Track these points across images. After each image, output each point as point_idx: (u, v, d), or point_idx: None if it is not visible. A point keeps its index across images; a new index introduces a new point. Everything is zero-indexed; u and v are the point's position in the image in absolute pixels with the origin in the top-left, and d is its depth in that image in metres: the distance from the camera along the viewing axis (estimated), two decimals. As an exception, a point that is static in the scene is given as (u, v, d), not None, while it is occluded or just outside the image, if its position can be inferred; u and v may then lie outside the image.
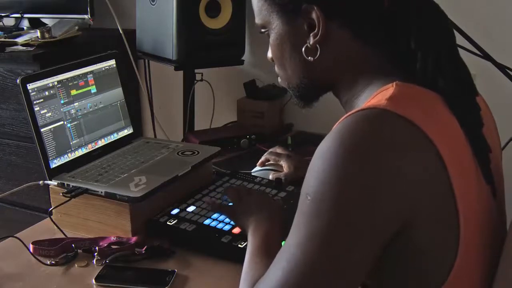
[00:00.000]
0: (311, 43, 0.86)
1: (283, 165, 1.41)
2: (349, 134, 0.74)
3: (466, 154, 0.81)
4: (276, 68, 0.96)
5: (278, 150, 1.45)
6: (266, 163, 1.45)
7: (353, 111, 0.77)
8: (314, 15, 0.84)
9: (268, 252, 0.93)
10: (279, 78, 0.97)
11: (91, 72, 1.38)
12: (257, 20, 0.93)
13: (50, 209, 1.21)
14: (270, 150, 1.47)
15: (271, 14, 0.89)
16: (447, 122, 0.80)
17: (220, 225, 1.17)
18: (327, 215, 0.73)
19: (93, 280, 1.05)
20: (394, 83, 0.80)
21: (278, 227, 1.02)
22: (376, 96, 0.81)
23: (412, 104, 0.78)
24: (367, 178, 0.72)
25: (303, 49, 0.87)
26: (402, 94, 0.78)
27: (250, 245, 0.98)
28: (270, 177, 1.40)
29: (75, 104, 1.32)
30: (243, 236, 1.11)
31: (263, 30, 0.93)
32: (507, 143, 1.27)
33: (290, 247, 0.76)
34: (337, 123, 0.77)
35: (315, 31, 0.85)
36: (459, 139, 0.80)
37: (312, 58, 0.87)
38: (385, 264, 0.77)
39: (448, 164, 0.74)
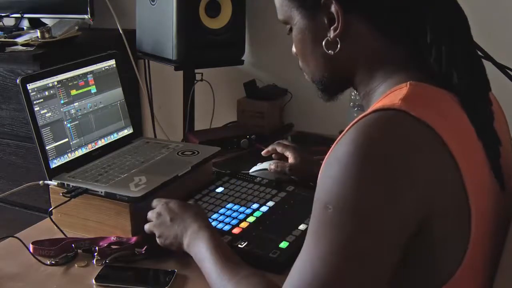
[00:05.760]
0: (331, 36, 0.87)
1: (288, 155, 1.41)
2: (364, 138, 0.74)
3: (478, 151, 0.81)
4: (300, 63, 0.97)
5: (285, 142, 1.46)
6: (265, 163, 1.45)
7: (366, 112, 0.77)
8: (333, 9, 0.85)
9: (234, 267, 0.94)
10: (304, 72, 0.98)
11: (91, 72, 1.38)
12: (279, 16, 0.94)
13: (50, 209, 1.21)
14: (277, 141, 1.47)
15: (292, 9, 0.90)
16: (459, 120, 0.81)
17: (220, 225, 1.16)
18: (351, 224, 0.72)
19: (93, 280, 1.05)
20: (408, 82, 0.81)
21: (217, 231, 1.06)
22: (389, 95, 0.81)
23: (425, 104, 0.78)
24: (386, 182, 0.72)
25: (323, 42, 0.88)
26: (415, 95, 0.79)
27: (211, 262, 0.97)
28: (269, 167, 1.40)
29: (75, 104, 1.32)
30: (243, 236, 1.11)
31: (287, 26, 0.94)
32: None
33: (313, 259, 0.74)
34: (350, 125, 0.77)
35: (335, 24, 0.86)
36: (471, 137, 0.81)
37: (332, 52, 0.88)
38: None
39: (460, 163, 0.75)
